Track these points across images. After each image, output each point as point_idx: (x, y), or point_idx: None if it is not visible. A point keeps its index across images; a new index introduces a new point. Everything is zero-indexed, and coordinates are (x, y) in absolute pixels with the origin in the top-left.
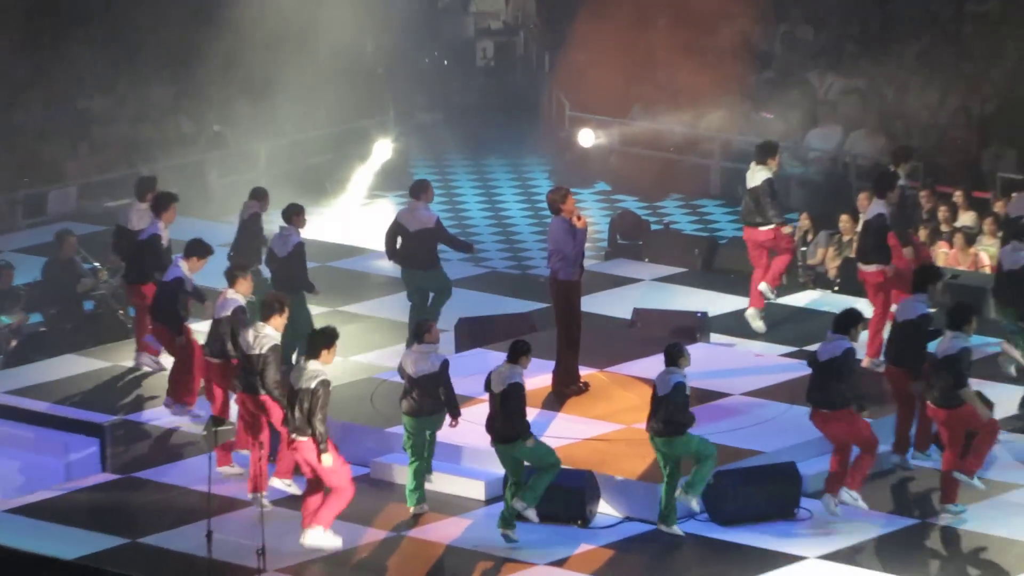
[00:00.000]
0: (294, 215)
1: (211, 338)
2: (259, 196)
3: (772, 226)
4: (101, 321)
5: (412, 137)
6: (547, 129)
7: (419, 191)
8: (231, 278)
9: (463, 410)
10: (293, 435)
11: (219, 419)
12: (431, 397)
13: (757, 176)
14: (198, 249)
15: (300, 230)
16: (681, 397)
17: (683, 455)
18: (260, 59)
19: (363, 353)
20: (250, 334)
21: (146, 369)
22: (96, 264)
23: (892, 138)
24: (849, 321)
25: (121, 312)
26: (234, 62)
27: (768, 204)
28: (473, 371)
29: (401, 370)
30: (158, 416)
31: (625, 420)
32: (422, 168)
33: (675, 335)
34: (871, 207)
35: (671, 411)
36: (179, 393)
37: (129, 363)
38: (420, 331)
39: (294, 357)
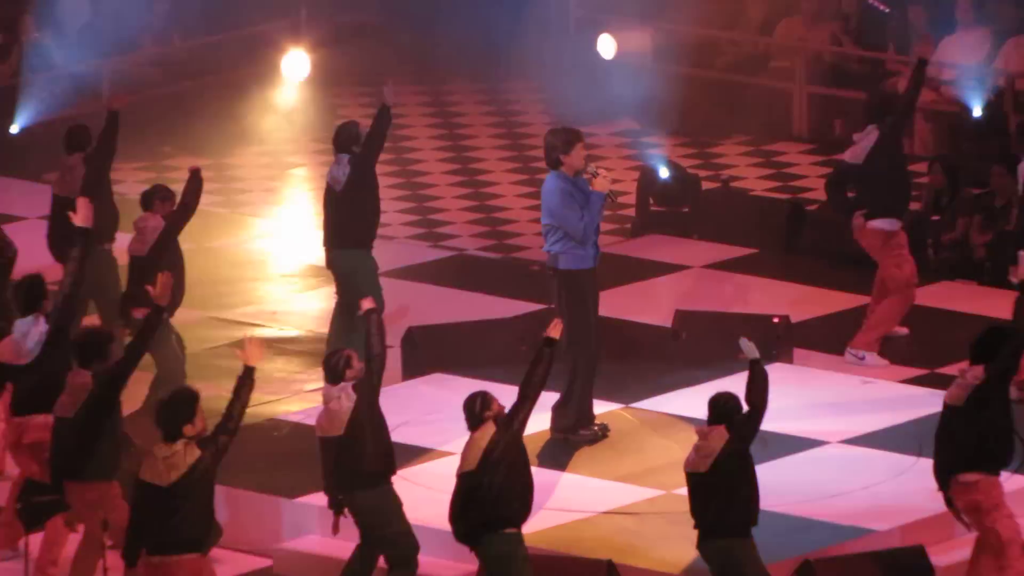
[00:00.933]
0: (157, 199)
1: None
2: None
3: (885, 222)
4: None
5: (335, 49)
6: (542, 36)
7: (348, 140)
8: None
9: (416, 469)
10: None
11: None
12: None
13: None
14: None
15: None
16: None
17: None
18: None
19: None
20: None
21: None
22: None
23: None
24: (997, 342)
25: None
26: None
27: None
28: (427, 408)
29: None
30: None
31: (662, 483)
32: (351, 100)
33: (737, 351)
34: None
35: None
36: None
37: None
38: (335, 367)
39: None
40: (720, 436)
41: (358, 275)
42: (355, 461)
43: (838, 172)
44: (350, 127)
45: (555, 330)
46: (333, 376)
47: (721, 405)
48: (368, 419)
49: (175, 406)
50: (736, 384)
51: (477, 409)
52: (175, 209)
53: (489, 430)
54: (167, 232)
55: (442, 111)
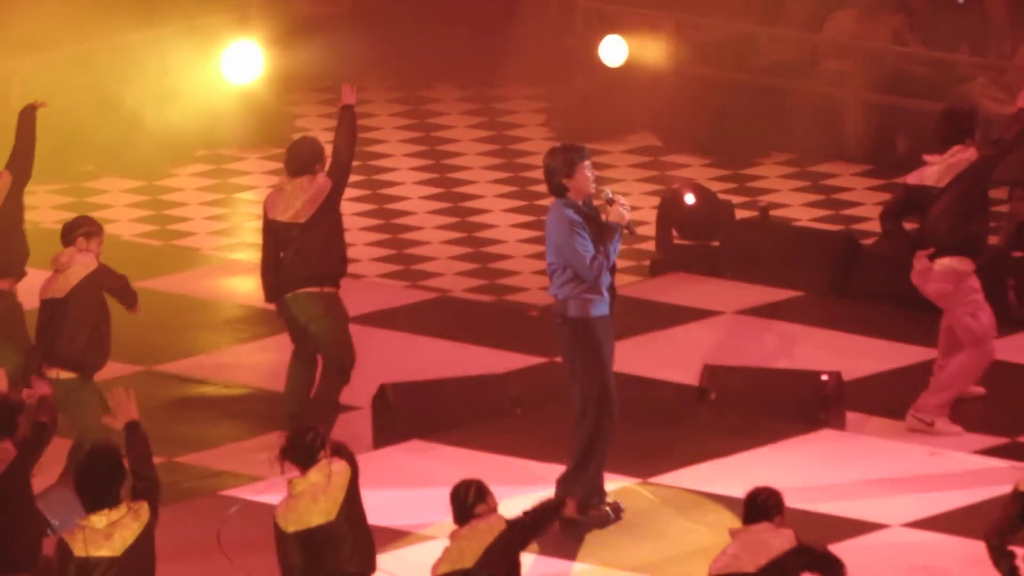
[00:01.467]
0: (81, 235)
1: None
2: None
3: (956, 260)
4: None
5: (295, 48)
6: (542, 34)
7: (306, 160)
8: None
9: (389, 556)
10: None
11: None
12: None
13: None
14: None
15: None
16: None
17: None
18: None
19: (200, 450)
20: None
21: None
22: None
23: None
24: None
25: None
26: None
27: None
28: (402, 483)
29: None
30: None
31: (687, 575)
32: (311, 108)
33: (778, 414)
34: None
35: None
36: None
37: None
38: (309, 447)
39: None
40: (786, 539)
41: (328, 321)
42: (331, 562)
43: (899, 199)
44: (307, 145)
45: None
46: (304, 457)
47: (761, 503)
48: (348, 510)
49: (105, 467)
50: (778, 455)
51: (470, 501)
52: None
53: (495, 525)
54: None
55: (422, 122)
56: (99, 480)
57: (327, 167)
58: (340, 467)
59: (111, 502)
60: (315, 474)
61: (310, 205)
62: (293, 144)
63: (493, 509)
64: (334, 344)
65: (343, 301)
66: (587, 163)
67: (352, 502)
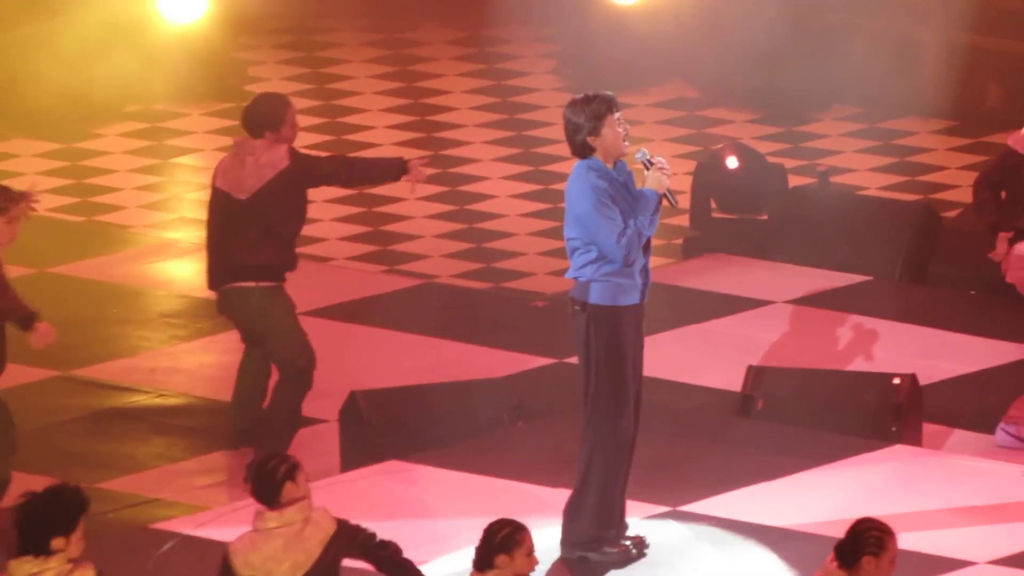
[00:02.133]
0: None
1: None
2: None
3: None
4: None
5: None
6: None
7: (257, 119)
8: None
9: None
10: None
11: None
12: None
13: None
14: None
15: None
16: None
17: None
18: None
19: (129, 473)
20: None
21: None
22: None
23: None
24: None
25: None
26: None
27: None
28: (379, 513)
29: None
30: None
31: None
32: (268, 55)
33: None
34: None
35: None
36: None
37: None
38: (271, 476)
39: None
40: None
41: (267, 320)
42: None
43: (998, 164)
44: (265, 101)
45: None
46: (265, 491)
47: (863, 537)
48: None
49: (51, 507)
50: (839, 477)
51: (497, 542)
52: None
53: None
54: None
55: (404, 71)
56: (34, 521)
57: (292, 137)
58: (323, 517)
59: (35, 551)
60: (293, 513)
61: (254, 179)
62: (254, 99)
63: (528, 555)
64: (282, 344)
65: (287, 293)
66: (618, 115)
67: (328, 569)
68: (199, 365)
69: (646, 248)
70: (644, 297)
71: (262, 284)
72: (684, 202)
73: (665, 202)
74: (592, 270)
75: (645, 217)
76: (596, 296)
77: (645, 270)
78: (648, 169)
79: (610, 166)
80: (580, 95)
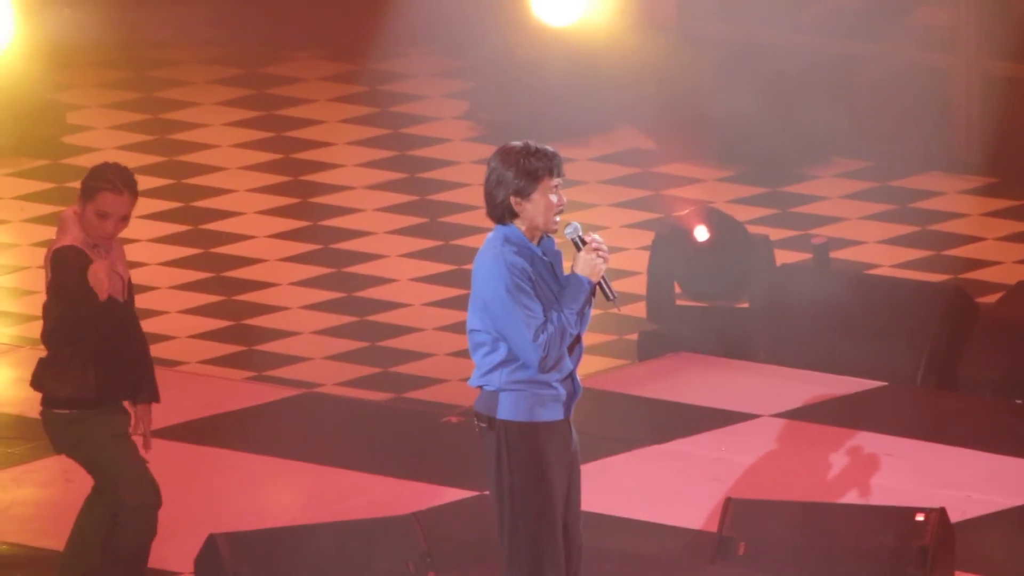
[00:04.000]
0: None
1: None
2: None
3: None
4: None
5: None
6: None
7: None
8: None
9: None
10: None
11: None
12: None
13: None
14: None
15: None
16: None
17: None
18: None
19: None
20: None
21: None
22: None
23: None
24: None
25: None
26: None
27: None
28: None
29: None
30: None
31: None
32: (91, 92)
33: None
34: None
35: None
36: None
37: None
38: None
39: None
40: None
41: (88, 448)
42: None
43: None
44: (96, 171)
45: None
46: None
47: None
48: None
49: None
50: None
51: None
52: None
53: None
54: None
55: (270, 116)
56: None
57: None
58: None
59: None
60: None
61: (47, 265)
62: (91, 174)
63: None
64: (112, 482)
65: (100, 418)
66: (557, 182)
67: None
68: (21, 500)
69: (573, 347)
70: (570, 412)
71: (71, 412)
72: (639, 286)
73: (601, 293)
74: (501, 376)
75: (572, 311)
76: (507, 410)
77: (572, 378)
78: (580, 249)
79: (534, 242)
80: (518, 143)
